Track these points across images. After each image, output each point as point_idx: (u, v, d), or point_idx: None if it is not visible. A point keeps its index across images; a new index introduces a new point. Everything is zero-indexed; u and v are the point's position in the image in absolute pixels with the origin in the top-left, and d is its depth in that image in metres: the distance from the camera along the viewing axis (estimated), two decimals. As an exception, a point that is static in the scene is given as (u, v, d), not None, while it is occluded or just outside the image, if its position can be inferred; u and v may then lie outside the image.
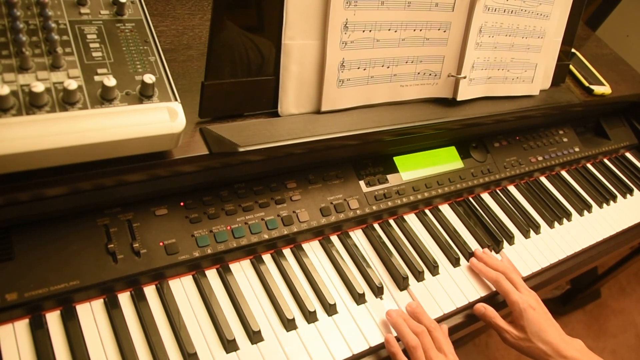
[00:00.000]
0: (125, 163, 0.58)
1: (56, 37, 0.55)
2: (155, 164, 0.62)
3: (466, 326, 0.83)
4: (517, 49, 0.96)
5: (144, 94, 0.57)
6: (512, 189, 1.09)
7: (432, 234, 0.91)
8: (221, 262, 0.73)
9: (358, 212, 0.84)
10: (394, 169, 0.91)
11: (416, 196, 0.91)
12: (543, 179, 1.15)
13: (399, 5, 0.76)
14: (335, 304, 0.73)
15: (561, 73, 1.11)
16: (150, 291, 0.67)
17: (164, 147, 0.60)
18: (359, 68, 0.77)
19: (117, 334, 0.61)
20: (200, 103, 0.68)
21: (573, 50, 1.25)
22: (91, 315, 0.62)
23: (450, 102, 0.91)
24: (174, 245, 0.68)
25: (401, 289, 0.80)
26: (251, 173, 0.77)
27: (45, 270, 0.60)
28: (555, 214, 1.06)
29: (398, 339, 0.72)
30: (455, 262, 0.87)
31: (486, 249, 0.90)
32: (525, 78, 1.01)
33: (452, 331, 0.79)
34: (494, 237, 0.95)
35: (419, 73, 0.85)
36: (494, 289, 0.85)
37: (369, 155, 0.89)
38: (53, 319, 0.61)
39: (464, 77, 0.88)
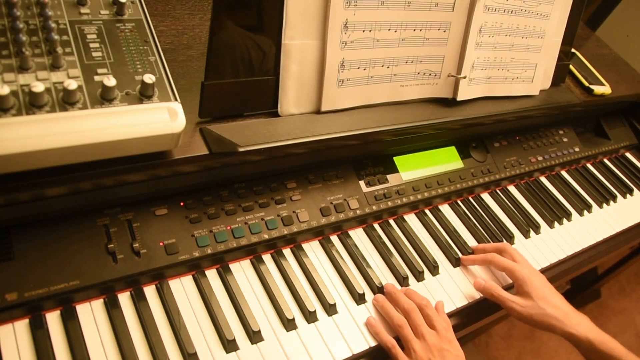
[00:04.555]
0: (125, 163, 0.58)
1: (56, 37, 0.55)
2: (155, 164, 0.62)
3: (466, 326, 0.83)
4: (517, 49, 0.96)
5: (144, 94, 0.57)
6: (512, 189, 1.09)
7: (432, 234, 0.91)
8: (221, 262, 0.73)
9: (358, 212, 0.83)
10: (394, 169, 0.91)
11: (416, 196, 0.91)
12: (543, 179, 1.15)
13: (399, 5, 0.76)
14: (335, 304, 0.73)
15: (561, 73, 1.11)
16: (150, 291, 0.67)
17: (164, 147, 0.60)
18: (359, 68, 0.77)
19: (117, 334, 0.61)
20: (200, 103, 0.68)
21: (573, 50, 1.25)
22: (91, 315, 0.62)
23: (450, 102, 0.91)
24: (174, 245, 0.68)
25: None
26: (251, 173, 0.77)
27: (45, 270, 0.60)
28: (555, 214, 1.06)
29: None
30: (455, 262, 0.87)
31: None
32: (525, 78, 1.01)
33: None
34: (494, 237, 0.95)
35: (419, 73, 0.85)
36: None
37: (369, 155, 0.89)
38: (53, 319, 0.61)
39: (464, 77, 0.88)
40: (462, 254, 0.89)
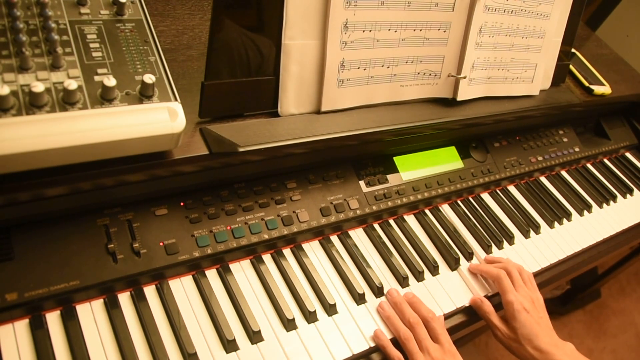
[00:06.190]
0: (125, 163, 0.58)
1: (56, 37, 0.55)
2: (155, 164, 0.62)
3: (466, 326, 0.83)
4: (517, 49, 0.96)
5: (144, 94, 0.57)
6: (512, 189, 1.09)
7: (432, 234, 0.91)
8: (221, 262, 0.73)
9: (358, 212, 0.83)
10: (394, 169, 0.91)
11: (416, 196, 0.91)
12: (543, 179, 1.15)
13: (399, 5, 0.76)
14: (335, 304, 0.73)
15: (561, 73, 1.11)
16: (150, 291, 0.67)
17: (164, 147, 0.60)
18: (359, 68, 0.77)
19: (117, 334, 0.61)
20: (200, 103, 0.68)
21: (573, 50, 1.25)
22: (91, 315, 0.62)
23: (450, 102, 0.91)
24: (174, 245, 0.68)
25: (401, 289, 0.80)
26: (251, 173, 0.77)
27: (45, 270, 0.60)
28: (555, 214, 1.06)
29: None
30: (455, 263, 0.87)
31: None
32: (525, 78, 1.01)
33: (452, 331, 0.79)
34: (494, 237, 0.95)
35: (419, 73, 0.85)
36: (492, 291, 0.85)
37: (369, 155, 0.89)
38: (53, 319, 0.61)
39: (464, 77, 0.88)
40: (462, 254, 0.89)
